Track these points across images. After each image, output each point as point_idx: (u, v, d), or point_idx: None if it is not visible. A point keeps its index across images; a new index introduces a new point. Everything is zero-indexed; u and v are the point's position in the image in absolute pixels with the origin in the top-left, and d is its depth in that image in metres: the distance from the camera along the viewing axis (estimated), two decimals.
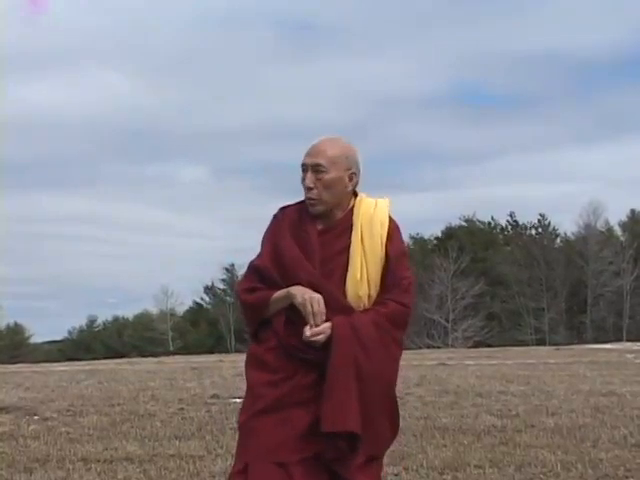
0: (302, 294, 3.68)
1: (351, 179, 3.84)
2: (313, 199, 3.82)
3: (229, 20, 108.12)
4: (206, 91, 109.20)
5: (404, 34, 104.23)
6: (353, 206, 3.88)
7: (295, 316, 3.71)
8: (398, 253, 3.83)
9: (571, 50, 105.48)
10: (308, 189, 3.82)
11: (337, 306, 3.71)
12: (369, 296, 3.78)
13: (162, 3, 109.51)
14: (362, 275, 3.77)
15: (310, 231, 3.83)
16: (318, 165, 3.79)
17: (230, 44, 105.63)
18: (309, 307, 3.66)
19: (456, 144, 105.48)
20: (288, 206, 3.96)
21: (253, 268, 3.88)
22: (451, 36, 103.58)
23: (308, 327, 3.66)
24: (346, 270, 3.78)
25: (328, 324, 3.66)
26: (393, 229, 3.86)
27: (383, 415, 3.77)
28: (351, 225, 3.84)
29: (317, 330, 3.65)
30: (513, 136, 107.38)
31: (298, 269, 3.76)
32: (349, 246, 3.80)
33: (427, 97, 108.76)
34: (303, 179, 3.84)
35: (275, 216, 3.95)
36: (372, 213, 3.85)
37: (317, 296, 3.67)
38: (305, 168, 3.83)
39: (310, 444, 3.67)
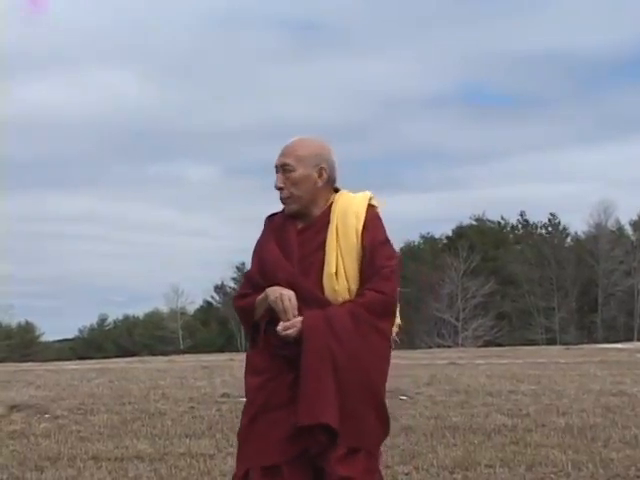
0: (274, 292, 3.74)
1: (321, 175, 3.88)
2: (284, 198, 3.90)
3: (231, 20, 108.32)
4: (209, 91, 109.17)
5: (408, 34, 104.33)
6: (332, 202, 3.92)
7: (275, 315, 3.77)
8: (376, 243, 3.83)
9: (575, 49, 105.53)
10: (278, 189, 3.90)
11: (314, 302, 3.75)
12: (349, 289, 3.79)
13: (165, 3, 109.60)
14: (338, 269, 3.79)
15: (289, 231, 3.90)
16: (286, 165, 3.87)
17: (232, 44, 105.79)
18: (280, 304, 3.71)
19: (465, 144, 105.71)
20: (275, 214, 4.03)
21: (246, 277, 4.02)
22: (456, 36, 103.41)
23: (281, 323, 3.72)
24: (323, 265, 3.81)
25: (299, 318, 3.71)
26: (370, 220, 3.87)
27: (365, 405, 3.73)
28: (329, 221, 3.87)
29: (287, 324, 3.70)
30: (521, 136, 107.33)
31: (277, 270, 3.82)
32: (325, 241, 3.84)
33: (433, 97, 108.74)
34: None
35: (264, 224, 4.03)
36: (347, 207, 3.87)
37: (288, 292, 3.72)
38: (277, 170, 3.91)
39: (295, 443, 3.71)
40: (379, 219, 3.91)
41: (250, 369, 3.90)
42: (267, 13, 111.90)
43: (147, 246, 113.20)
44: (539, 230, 79.52)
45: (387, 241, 3.90)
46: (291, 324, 3.70)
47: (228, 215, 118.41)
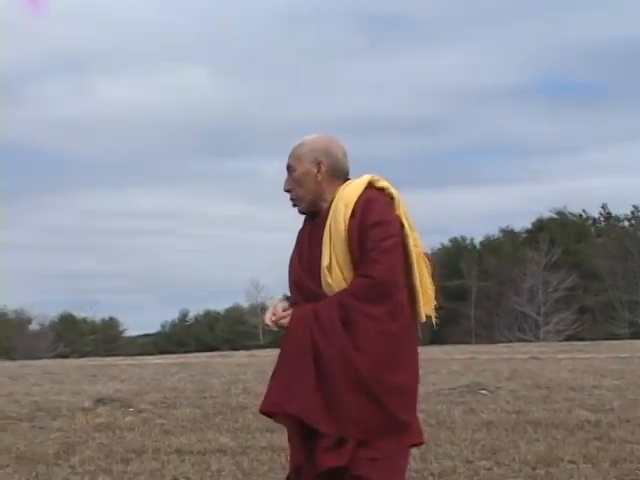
0: None
1: (319, 169, 3.87)
2: (292, 199, 3.95)
3: (305, 14, 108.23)
4: (283, 86, 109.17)
5: (486, 25, 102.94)
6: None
7: None
8: (365, 226, 3.73)
9: None
10: (286, 192, 3.94)
11: (314, 298, 3.78)
12: (345, 280, 3.75)
13: None
14: (331, 261, 3.76)
15: (304, 231, 3.95)
16: (289, 166, 3.94)
17: (306, 39, 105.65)
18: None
19: (545, 136, 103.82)
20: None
21: None
22: (535, 26, 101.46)
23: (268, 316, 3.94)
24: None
25: (289, 311, 3.80)
26: (361, 205, 3.77)
27: (352, 394, 3.65)
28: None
29: (274, 317, 3.85)
30: (603, 127, 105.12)
31: (291, 272, 3.93)
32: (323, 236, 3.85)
33: (512, 89, 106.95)
34: None
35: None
36: (341, 196, 3.83)
37: (273, 301, 3.94)
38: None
39: (307, 443, 3.77)
40: (374, 201, 3.78)
41: None
42: (340, 6, 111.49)
43: (228, 241, 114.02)
44: (622, 223, 78.12)
45: (380, 222, 3.74)
46: (278, 317, 3.82)
47: None
